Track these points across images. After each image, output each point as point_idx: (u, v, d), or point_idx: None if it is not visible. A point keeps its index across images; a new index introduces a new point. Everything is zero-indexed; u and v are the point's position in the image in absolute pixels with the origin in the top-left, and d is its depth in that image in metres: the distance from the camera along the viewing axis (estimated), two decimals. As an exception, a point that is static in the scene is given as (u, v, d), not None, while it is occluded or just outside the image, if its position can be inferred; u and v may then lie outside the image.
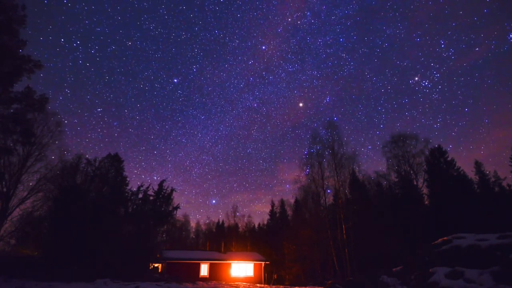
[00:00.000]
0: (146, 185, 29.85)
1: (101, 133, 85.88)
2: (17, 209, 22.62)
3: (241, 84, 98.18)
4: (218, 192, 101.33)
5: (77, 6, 75.04)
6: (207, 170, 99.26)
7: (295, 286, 25.17)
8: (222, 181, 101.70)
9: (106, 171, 28.07)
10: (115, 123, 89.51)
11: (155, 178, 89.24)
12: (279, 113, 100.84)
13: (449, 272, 11.63)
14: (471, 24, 77.36)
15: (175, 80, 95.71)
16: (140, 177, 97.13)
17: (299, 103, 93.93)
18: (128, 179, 29.72)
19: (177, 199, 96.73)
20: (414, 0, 78.03)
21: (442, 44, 71.37)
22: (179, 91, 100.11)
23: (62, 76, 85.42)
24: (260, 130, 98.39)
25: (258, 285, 24.29)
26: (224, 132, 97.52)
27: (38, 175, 23.60)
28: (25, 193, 22.84)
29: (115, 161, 29.00)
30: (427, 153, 31.71)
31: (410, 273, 14.03)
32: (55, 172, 24.90)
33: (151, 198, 29.12)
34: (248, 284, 24.10)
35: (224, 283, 23.69)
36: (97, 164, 27.79)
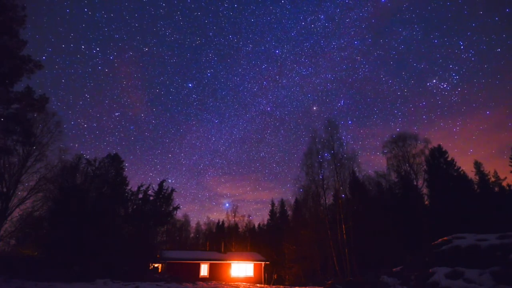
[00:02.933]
0: (146, 185, 29.85)
1: (118, 137, 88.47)
2: (17, 209, 22.63)
3: (255, 88, 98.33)
4: (231, 195, 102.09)
5: (97, 15, 78.35)
6: (220, 173, 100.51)
7: (295, 286, 25.16)
8: (235, 184, 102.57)
9: (106, 171, 28.05)
10: (131, 127, 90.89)
11: (170, 181, 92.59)
12: (292, 117, 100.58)
13: (449, 272, 11.63)
14: (492, 24, 75.47)
15: (190, 85, 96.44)
16: (156, 180, 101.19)
17: (312, 106, 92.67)
18: (128, 179, 29.74)
19: (190, 202, 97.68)
20: (431, 1, 76.08)
21: (461, 45, 67.83)
22: (193, 96, 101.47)
23: (82, 82, 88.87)
24: (274, 134, 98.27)
25: (258, 285, 24.29)
26: (237, 135, 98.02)
27: (38, 175, 23.60)
28: (25, 193, 22.86)
29: (115, 161, 28.98)
30: (427, 153, 31.73)
31: (410, 273, 14.02)
32: (55, 172, 24.90)
33: (151, 198, 29.10)
34: (248, 284, 24.09)
35: (224, 283, 23.68)
36: (97, 164, 27.79)
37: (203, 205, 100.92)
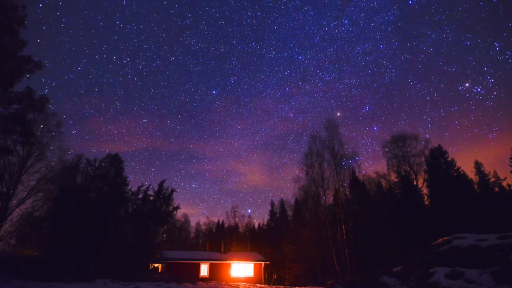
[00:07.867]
0: (146, 185, 29.85)
1: (145, 143, 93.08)
2: (17, 209, 22.63)
3: (277, 94, 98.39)
4: (253, 202, 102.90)
5: (128, 26, 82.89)
6: (243, 179, 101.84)
7: (295, 286, 25.16)
8: (258, 190, 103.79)
9: (106, 171, 28.03)
10: (158, 133, 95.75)
11: (193, 186, 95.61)
12: (316, 123, 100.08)
13: (449, 272, 11.63)
14: (531, 24, 72.23)
15: (214, 92, 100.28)
16: (179, 184, 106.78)
17: (336, 112, 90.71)
18: (128, 179, 29.71)
19: (213, 208, 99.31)
20: (463, 2, 72.09)
21: (497, 46, 63.24)
22: (217, 102, 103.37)
23: (113, 90, 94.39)
24: (296, 140, 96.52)
25: (258, 285, 24.29)
26: (260, 141, 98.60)
27: (38, 175, 23.61)
28: (25, 193, 22.84)
29: (115, 161, 28.96)
30: (427, 153, 31.74)
31: (410, 273, 14.02)
32: (55, 172, 24.90)
33: (151, 198, 29.11)
34: (248, 284, 24.09)
35: (224, 283, 23.68)
36: (97, 164, 27.75)
37: (225, 211, 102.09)
